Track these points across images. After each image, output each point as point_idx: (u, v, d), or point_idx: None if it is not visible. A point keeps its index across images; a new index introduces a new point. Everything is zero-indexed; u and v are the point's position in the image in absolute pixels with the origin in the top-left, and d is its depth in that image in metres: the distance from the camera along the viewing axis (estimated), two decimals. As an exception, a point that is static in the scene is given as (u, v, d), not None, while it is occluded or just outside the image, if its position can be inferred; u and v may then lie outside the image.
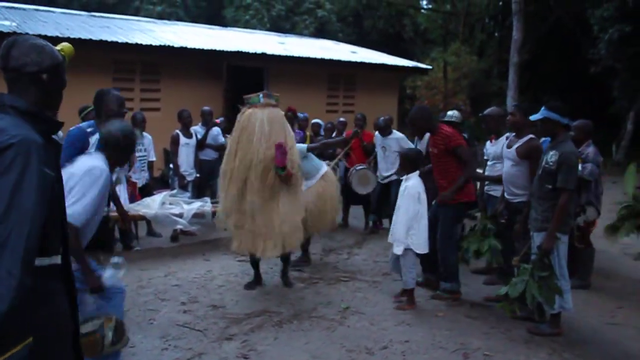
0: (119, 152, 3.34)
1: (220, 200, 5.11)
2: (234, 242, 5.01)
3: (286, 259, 5.45)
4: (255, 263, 5.41)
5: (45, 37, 8.74)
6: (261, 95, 4.91)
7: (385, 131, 7.61)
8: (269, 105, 4.91)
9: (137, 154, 7.12)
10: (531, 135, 4.81)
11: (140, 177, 7.14)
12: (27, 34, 8.55)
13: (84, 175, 3.07)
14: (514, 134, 4.99)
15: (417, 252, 4.90)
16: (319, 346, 4.12)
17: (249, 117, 4.85)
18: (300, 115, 8.24)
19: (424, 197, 4.93)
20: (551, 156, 4.24)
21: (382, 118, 7.73)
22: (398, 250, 4.88)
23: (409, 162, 5.10)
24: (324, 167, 6.05)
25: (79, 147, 3.73)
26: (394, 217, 5.12)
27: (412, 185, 4.95)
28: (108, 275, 3.23)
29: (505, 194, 4.97)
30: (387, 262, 6.16)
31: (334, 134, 8.28)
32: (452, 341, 4.25)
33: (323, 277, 5.81)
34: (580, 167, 5.31)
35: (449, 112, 7.16)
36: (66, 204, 2.66)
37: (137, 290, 5.19)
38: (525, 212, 4.67)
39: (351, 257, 6.73)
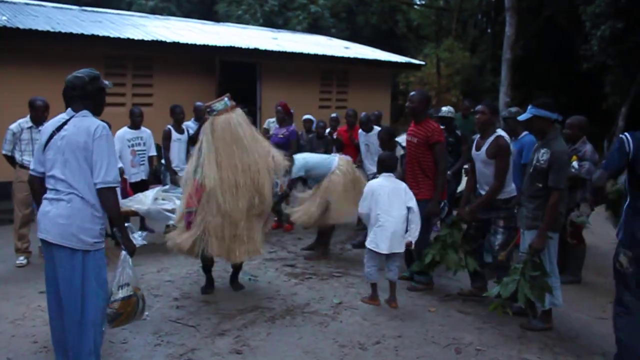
0: (89, 98, 3.26)
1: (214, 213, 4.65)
2: (196, 246, 4.71)
3: (239, 267, 5.35)
4: (208, 268, 5.23)
5: (36, 32, 8.76)
6: (226, 99, 4.75)
7: (367, 127, 7.51)
8: (235, 107, 4.78)
9: (136, 149, 7.11)
10: (498, 134, 4.75)
11: (138, 172, 7.13)
12: (17, 28, 8.53)
13: (96, 141, 3.09)
14: (479, 135, 4.94)
15: (377, 250, 4.82)
16: (312, 341, 4.12)
17: (229, 123, 4.63)
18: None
19: (380, 194, 4.84)
20: (542, 154, 4.23)
21: (364, 113, 7.61)
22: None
23: (384, 167, 5.03)
24: (334, 164, 6.12)
25: None
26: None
27: (369, 184, 5.01)
28: (137, 237, 3.35)
29: (480, 193, 4.93)
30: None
31: (327, 131, 8.25)
32: (445, 336, 4.27)
33: (316, 273, 5.82)
34: (577, 166, 5.33)
35: (444, 108, 7.17)
36: (95, 174, 3.03)
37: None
38: (480, 202, 4.75)
39: (344, 252, 6.74)
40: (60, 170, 3.11)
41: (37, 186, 3.29)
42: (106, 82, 3.42)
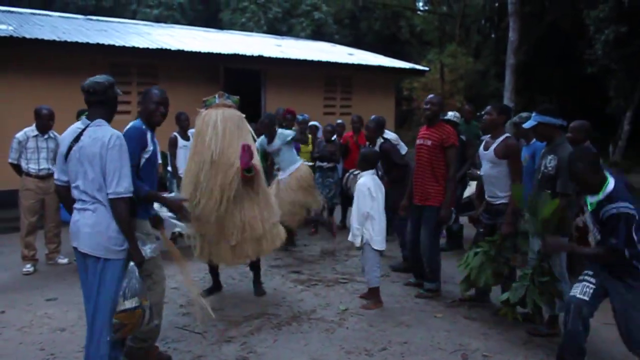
0: (109, 103, 3.31)
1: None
2: (196, 249, 4.85)
3: (257, 268, 5.31)
4: (214, 270, 5.30)
5: (42, 41, 8.82)
6: (216, 96, 4.79)
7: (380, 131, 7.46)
8: (224, 105, 4.76)
9: None
10: (507, 134, 4.77)
11: None
12: (24, 37, 8.61)
13: (109, 151, 3.11)
14: (489, 136, 4.94)
15: (375, 247, 4.91)
16: (318, 348, 4.12)
17: (203, 119, 4.67)
18: (299, 117, 8.23)
19: (376, 194, 4.93)
20: (550, 161, 4.23)
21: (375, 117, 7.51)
22: (357, 242, 4.94)
23: (366, 162, 5.13)
24: (298, 163, 6.49)
25: (142, 145, 3.56)
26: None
27: (363, 182, 5.00)
28: (147, 248, 3.45)
29: (486, 196, 4.91)
30: (386, 264, 6.19)
31: (333, 137, 8.26)
32: (451, 342, 4.26)
33: (322, 279, 5.82)
34: None
35: (450, 113, 7.17)
36: (107, 183, 3.05)
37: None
38: (509, 211, 4.61)
39: (349, 258, 6.73)
40: (82, 182, 3.17)
41: (64, 194, 3.35)
42: (117, 90, 3.45)
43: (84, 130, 3.20)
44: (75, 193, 3.22)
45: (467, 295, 5.17)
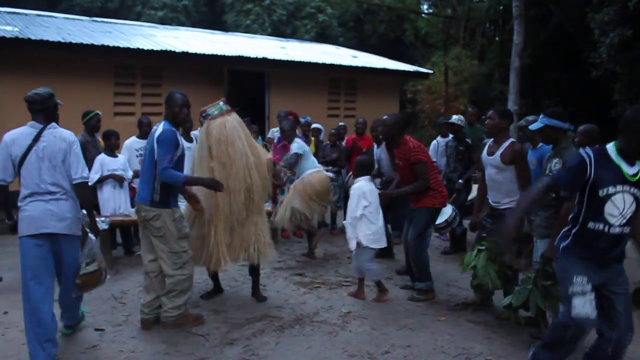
0: (48, 112, 3.81)
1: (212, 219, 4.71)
2: (200, 257, 4.71)
3: (256, 274, 5.25)
4: (214, 274, 5.27)
5: (47, 42, 8.85)
6: (221, 103, 4.74)
7: None
8: (230, 111, 4.75)
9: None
10: (512, 139, 4.72)
11: None
12: (29, 39, 8.64)
13: (73, 146, 3.75)
14: (491, 140, 4.89)
15: (372, 246, 5.14)
16: (321, 351, 4.11)
17: (225, 126, 4.62)
18: (301, 119, 8.24)
19: (372, 197, 5.13)
20: (555, 164, 4.21)
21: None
22: (352, 245, 5.17)
23: (362, 168, 5.33)
24: (314, 170, 6.54)
25: (176, 145, 4.26)
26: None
27: (358, 186, 5.19)
28: (100, 221, 4.33)
29: (490, 201, 4.87)
30: (388, 267, 6.18)
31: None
32: (454, 346, 4.24)
33: (324, 282, 5.81)
34: None
35: (454, 116, 7.17)
36: (74, 171, 3.72)
37: (138, 294, 5.18)
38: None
39: (352, 261, 6.71)
40: (49, 176, 3.67)
41: (4, 195, 3.77)
42: (58, 100, 3.96)
43: (40, 132, 3.69)
44: (40, 187, 3.66)
45: (471, 299, 5.16)
